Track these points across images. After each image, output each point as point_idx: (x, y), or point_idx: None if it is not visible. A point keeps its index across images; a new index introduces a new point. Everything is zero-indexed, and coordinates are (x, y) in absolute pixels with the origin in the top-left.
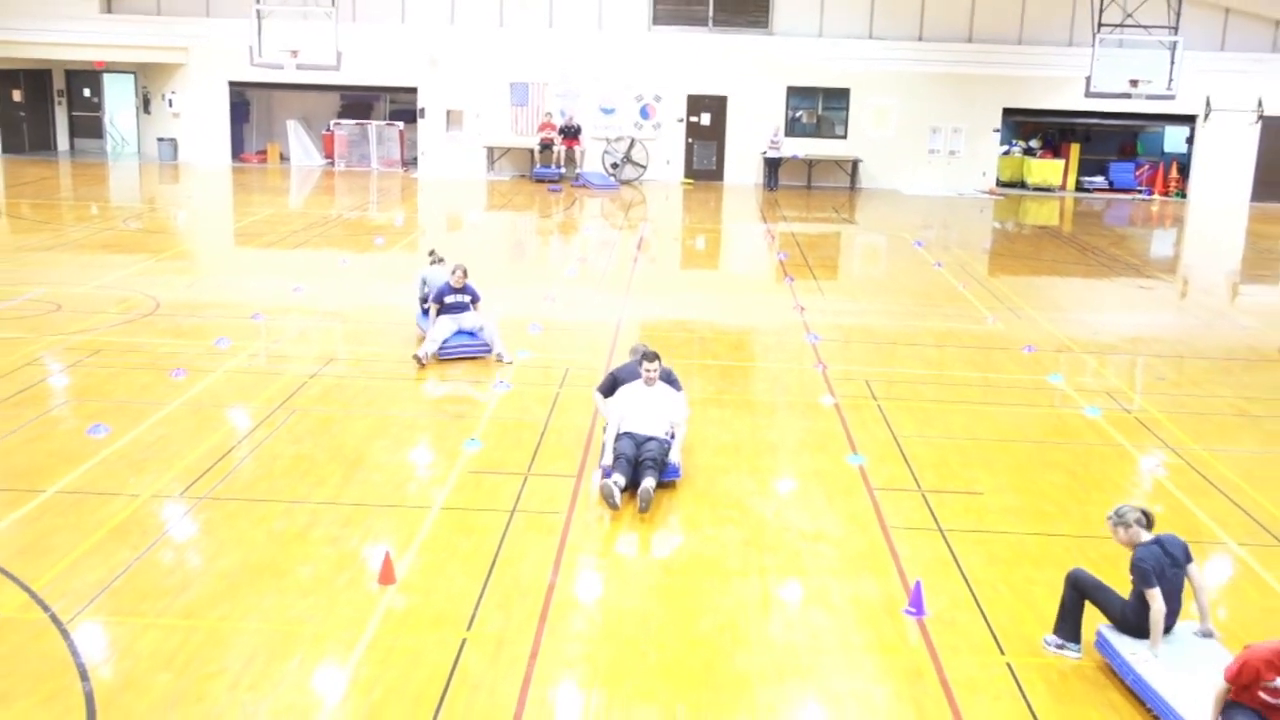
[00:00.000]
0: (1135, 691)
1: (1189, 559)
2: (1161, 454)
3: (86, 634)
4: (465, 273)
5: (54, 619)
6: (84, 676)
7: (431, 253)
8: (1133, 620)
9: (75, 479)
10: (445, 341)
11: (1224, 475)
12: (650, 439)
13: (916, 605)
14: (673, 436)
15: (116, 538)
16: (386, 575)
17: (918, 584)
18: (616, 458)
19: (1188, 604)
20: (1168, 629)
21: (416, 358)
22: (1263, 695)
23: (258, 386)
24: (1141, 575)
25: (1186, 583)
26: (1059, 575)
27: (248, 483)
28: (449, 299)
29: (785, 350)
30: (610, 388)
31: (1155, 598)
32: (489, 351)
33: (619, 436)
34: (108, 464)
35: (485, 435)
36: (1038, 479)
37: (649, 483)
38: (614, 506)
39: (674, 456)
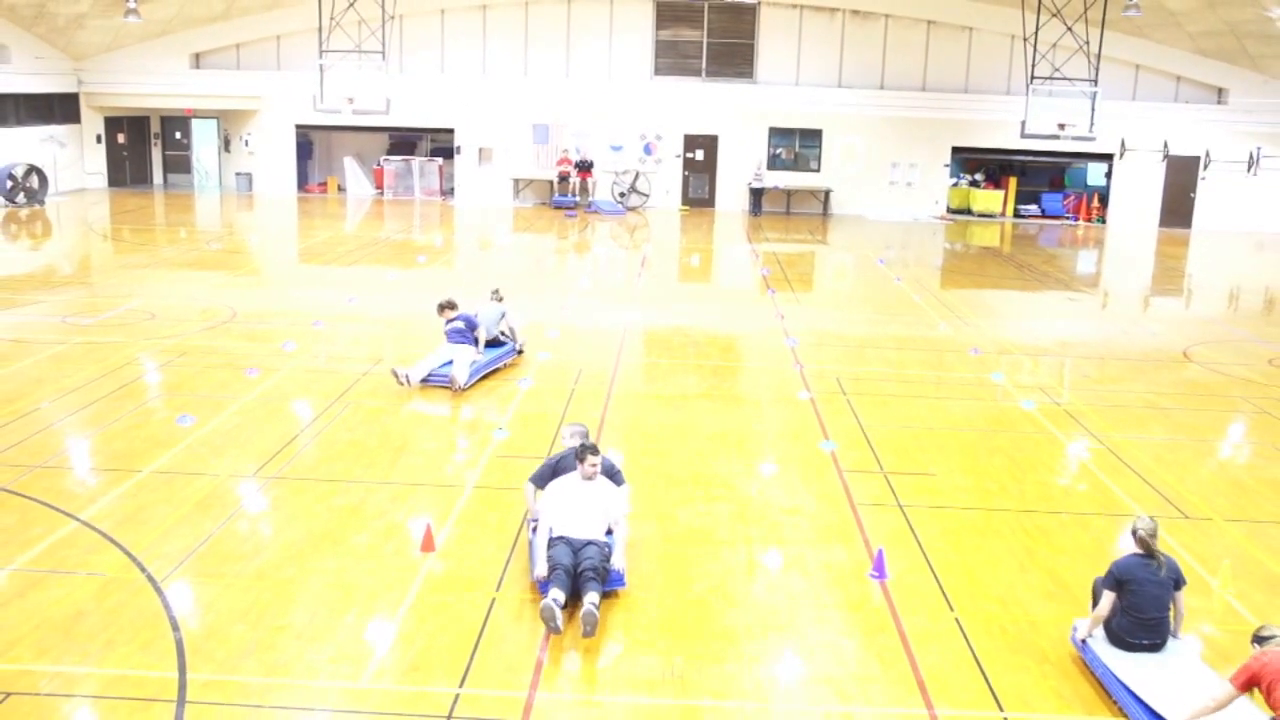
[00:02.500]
0: (1102, 682)
1: (1179, 585)
2: (1086, 440)
3: (177, 592)
4: (452, 305)
5: (150, 579)
6: (175, 627)
7: (495, 291)
8: (1110, 620)
9: (166, 460)
10: (436, 369)
11: (1137, 458)
12: (589, 543)
13: (879, 570)
14: (611, 534)
15: (201, 510)
16: (427, 544)
17: (880, 552)
18: (552, 569)
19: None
20: (1153, 646)
21: (393, 372)
22: None
23: (318, 383)
24: (1105, 577)
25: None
26: (1001, 544)
27: (310, 464)
28: (448, 326)
29: (767, 352)
30: (548, 477)
31: (1106, 599)
32: (445, 381)
33: (552, 542)
34: (193, 448)
35: (511, 425)
36: (982, 462)
37: (592, 600)
38: (555, 630)
39: (616, 561)
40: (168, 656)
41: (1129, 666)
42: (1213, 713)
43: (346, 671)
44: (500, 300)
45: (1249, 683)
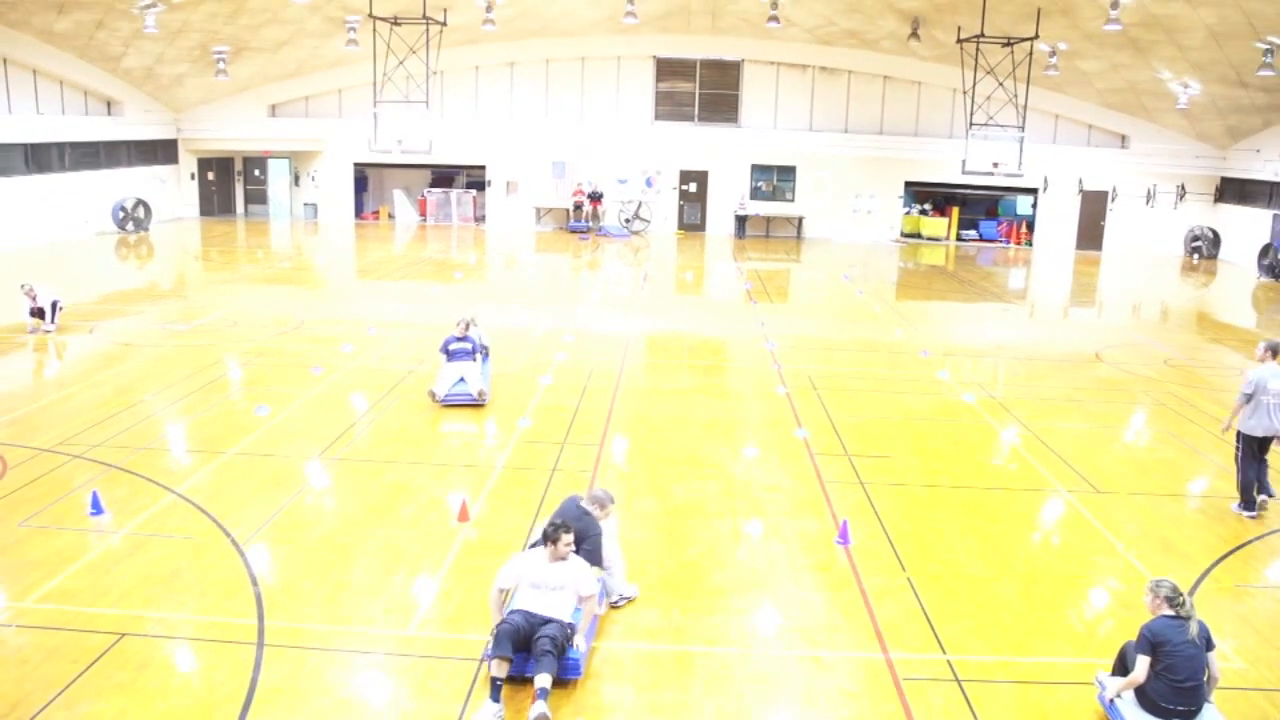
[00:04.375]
0: None
1: (1210, 646)
2: (1016, 428)
3: (256, 553)
4: (468, 325)
5: (234, 542)
6: (254, 583)
7: (470, 320)
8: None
9: (247, 444)
10: (452, 388)
11: (1059, 443)
12: (550, 620)
13: (844, 537)
14: (579, 612)
15: (275, 485)
16: (463, 515)
17: (844, 522)
18: (499, 632)
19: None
20: (1189, 714)
21: (431, 393)
22: None
23: (371, 379)
24: (1138, 640)
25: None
26: (946, 514)
27: (365, 447)
28: (453, 346)
29: (750, 353)
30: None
31: (1141, 664)
32: (472, 399)
33: (511, 613)
34: (268, 434)
35: (533, 415)
36: (930, 446)
37: (543, 684)
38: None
39: (579, 641)
40: (249, 607)
41: None
42: None
43: (397, 621)
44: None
45: None
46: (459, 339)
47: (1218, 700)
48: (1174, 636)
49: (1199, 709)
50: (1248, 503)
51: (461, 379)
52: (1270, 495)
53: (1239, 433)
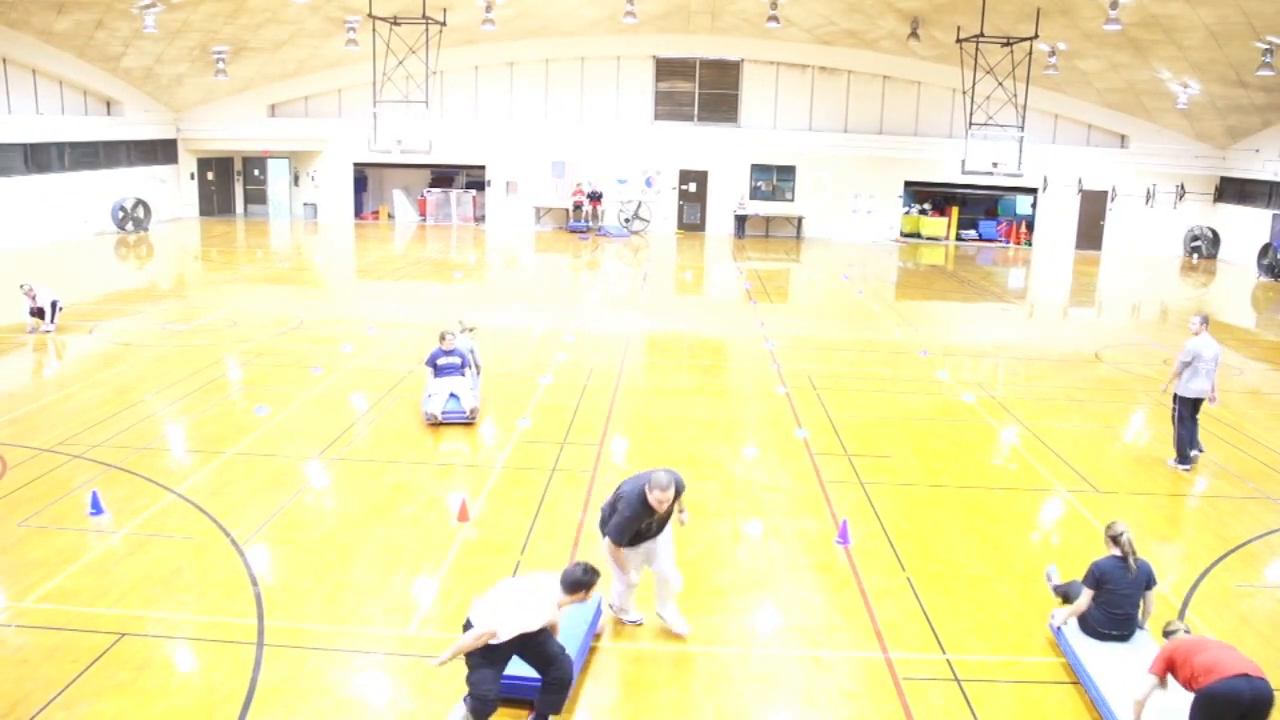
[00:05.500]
0: (1070, 665)
1: (1151, 584)
2: (1016, 427)
3: (255, 553)
4: (454, 336)
5: (233, 542)
6: (254, 582)
7: (461, 321)
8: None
9: (247, 443)
10: (446, 408)
11: (1058, 443)
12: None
13: (843, 537)
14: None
15: (275, 485)
16: (463, 515)
17: (844, 522)
18: (481, 696)
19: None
20: (1121, 638)
21: (428, 414)
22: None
23: (371, 379)
24: (1086, 575)
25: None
26: (945, 514)
27: (365, 448)
28: (441, 361)
29: (750, 353)
30: (621, 530)
31: (1085, 595)
32: (466, 417)
33: (478, 666)
34: (268, 433)
35: (533, 415)
36: (930, 445)
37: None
38: None
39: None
40: (249, 607)
41: (1097, 654)
42: (1144, 700)
43: (397, 621)
44: (470, 330)
45: (1165, 668)
46: (446, 353)
47: None
48: (1116, 575)
49: (1130, 635)
50: (1183, 458)
51: (454, 395)
52: (1201, 450)
53: (1176, 395)
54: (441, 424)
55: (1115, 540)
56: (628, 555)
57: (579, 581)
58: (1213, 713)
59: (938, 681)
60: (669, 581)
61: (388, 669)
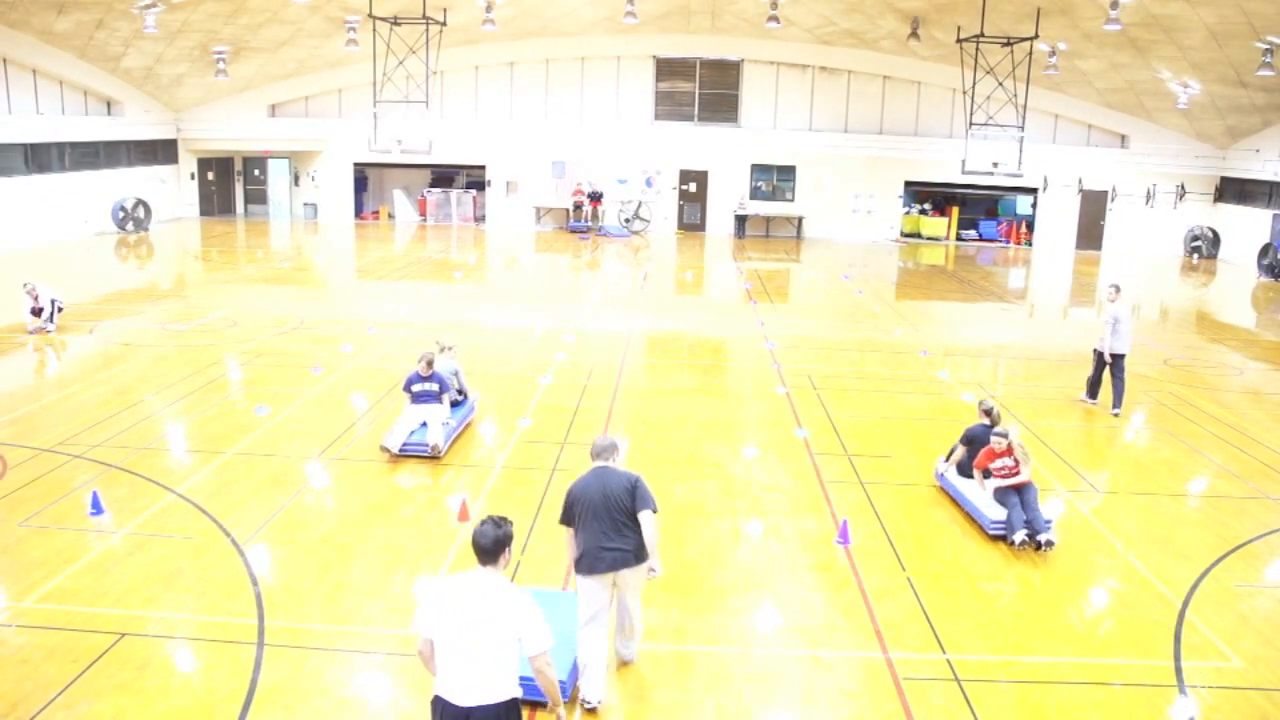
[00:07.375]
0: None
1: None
2: (1016, 426)
3: (255, 553)
4: (430, 362)
5: (234, 542)
6: (254, 582)
7: (438, 342)
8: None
9: (247, 443)
10: (410, 436)
11: (1058, 442)
12: (476, 707)
13: (843, 537)
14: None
15: (275, 485)
16: (464, 514)
17: (844, 522)
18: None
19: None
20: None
21: (383, 448)
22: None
23: (372, 379)
24: (961, 435)
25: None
26: (945, 514)
27: (365, 447)
28: (416, 387)
29: (750, 353)
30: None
31: (960, 450)
32: (428, 451)
33: (435, 701)
34: (268, 433)
35: (533, 415)
36: (930, 445)
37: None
38: None
39: None
40: (249, 607)
41: (968, 488)
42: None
43: (397, 621)
44: (448, 350)
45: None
46: (423, 378)
47: None
48: (982, 435)
49: (985, 474)
50: (1092, 394)
51: (424, 424)
52: (1095, 401)
53: (1097, 351)
54: (400, 457)
55: (987, 413)
56: (595, 582)
57: (499, 541)
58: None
59: (938, 681)
60: (633, 621)
61: (388, 669)
